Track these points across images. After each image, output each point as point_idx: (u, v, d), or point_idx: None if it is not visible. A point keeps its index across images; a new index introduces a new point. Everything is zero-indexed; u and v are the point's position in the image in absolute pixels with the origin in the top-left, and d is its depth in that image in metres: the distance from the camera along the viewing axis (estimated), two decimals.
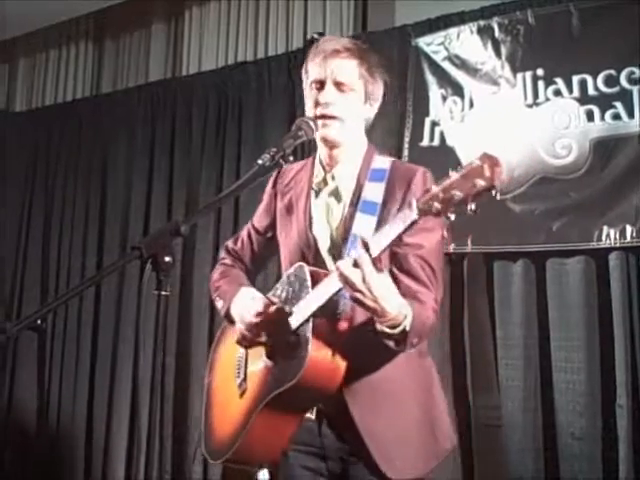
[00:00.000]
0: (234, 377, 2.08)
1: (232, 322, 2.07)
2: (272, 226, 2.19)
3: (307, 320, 1.85)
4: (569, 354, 3.14)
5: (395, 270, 1.91)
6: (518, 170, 3.30)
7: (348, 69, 1.98)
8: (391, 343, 1.80)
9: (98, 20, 5.21)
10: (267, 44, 4.39)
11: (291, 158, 1.90)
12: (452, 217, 1.57)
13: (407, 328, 1.76)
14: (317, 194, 2.07)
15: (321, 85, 1.99)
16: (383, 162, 2.05)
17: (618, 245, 3.06)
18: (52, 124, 5.15)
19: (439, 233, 1.95)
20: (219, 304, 2.15)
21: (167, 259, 1.53)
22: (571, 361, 3.13)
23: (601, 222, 3.10)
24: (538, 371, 3.22)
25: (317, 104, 1.98)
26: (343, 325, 1.87)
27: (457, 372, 3.39)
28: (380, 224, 1.87)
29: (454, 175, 1.56)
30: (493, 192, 1.53)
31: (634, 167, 3.07)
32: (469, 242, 3.36)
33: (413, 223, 1.62)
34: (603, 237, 3.09)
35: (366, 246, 1.68)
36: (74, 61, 5.30)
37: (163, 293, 1.53)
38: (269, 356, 1.97)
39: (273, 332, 1.95)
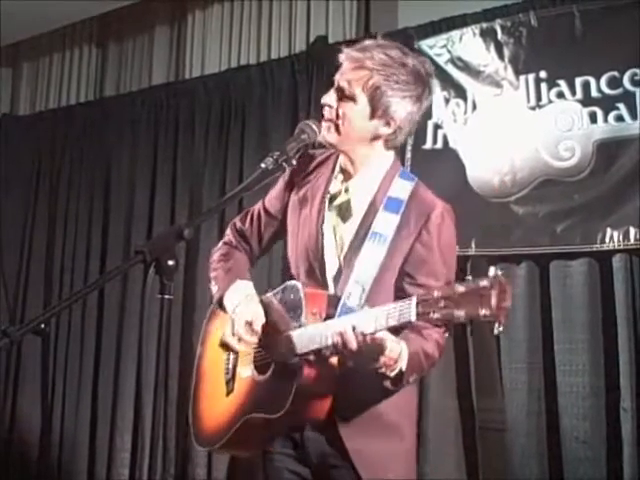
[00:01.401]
0: (223, 368, 2.08)
1: (222, 309, 2.08)
2: (283, 211, 2.15)
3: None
4: (573, 357, 3.13)
5: None
6: (521, 172, 3.30)
7: (353, 78, 1.93)
8: (388, 384, 1.81)
9: (101, 24, 5.21)
10: (270, 47, 4.39)
11: (294, 162, 1.90)
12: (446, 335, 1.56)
13: (403, 369, 1.77)
14: (331, 201, 2.03)
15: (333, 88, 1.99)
16: (403, 189, 1.98)
17: (622, 247, 3.06)
18: (56, 127, 5.15)
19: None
20: (213, 289, 2.14)
21: (170, 263, 1.53)
22: (575, 364, 3.12)
23: (604, 224, 3.09)
24: (542, 374, 3.21)
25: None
26: (334, 358, 1.85)
27: (461, 376, 3.38)
28: (388, 256, 1.89)
29: (460, 288, 1.51)
30: (496, 325, 1.47)
31: (637, 169, 3.06)
32: (473, 245, 3.35)
33: (408, 323, 1.62)
34: (607, 239, 3.08)
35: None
36: (77, 65, 5.30)
37: (167, 297, 1.53)
38: (257, 368, 1.98)
39: (265, 345, 1.96)
